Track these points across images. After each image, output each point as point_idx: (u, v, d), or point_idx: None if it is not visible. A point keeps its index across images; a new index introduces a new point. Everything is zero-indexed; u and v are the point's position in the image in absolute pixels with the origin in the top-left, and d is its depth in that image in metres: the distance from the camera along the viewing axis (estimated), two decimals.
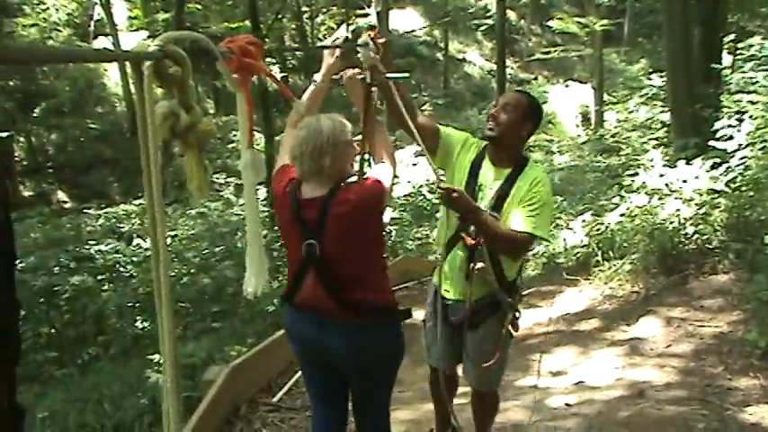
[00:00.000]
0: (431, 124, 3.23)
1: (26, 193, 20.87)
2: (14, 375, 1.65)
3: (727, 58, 11.99)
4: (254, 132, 2.02)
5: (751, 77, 11.07)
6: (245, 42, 1.82)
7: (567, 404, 4.58)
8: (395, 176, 2.79)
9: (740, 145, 7.09)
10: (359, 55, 2.84)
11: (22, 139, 21.93)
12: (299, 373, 5.52)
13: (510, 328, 3.22)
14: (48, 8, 25.05)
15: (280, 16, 21.07)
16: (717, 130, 7.36)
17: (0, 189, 1.65)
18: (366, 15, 29.81)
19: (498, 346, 3.21)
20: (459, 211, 2.94)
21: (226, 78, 1.79)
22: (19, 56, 1.04)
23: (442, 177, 3.04)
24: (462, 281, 3.17)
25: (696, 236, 6.70)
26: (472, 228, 3.07)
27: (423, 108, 25.06)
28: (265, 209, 11.55)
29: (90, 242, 10.93)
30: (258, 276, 2.12)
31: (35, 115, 22.29)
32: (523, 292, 3.38)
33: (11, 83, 21.54)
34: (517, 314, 3.24)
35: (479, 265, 3.09)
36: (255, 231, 2.07)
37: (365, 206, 2.60)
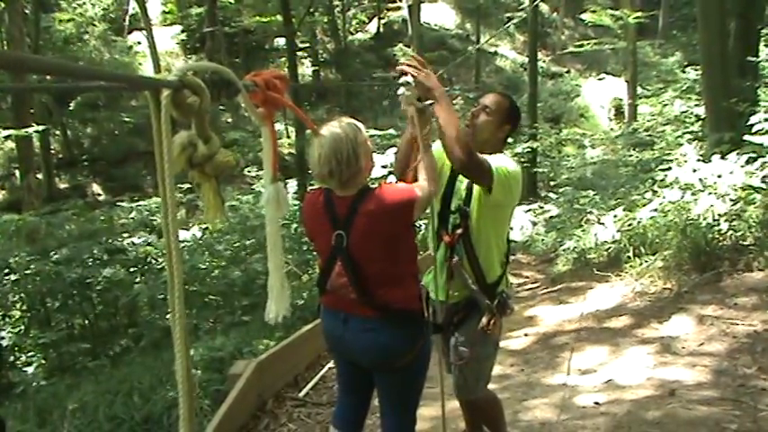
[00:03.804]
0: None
1: (61, 186, 21.23)
2: None
3: (764, 51, 11.72)
4: (278, 166, 2.02)
5: None
6: (271, 76, 1.81)
7: (596, 403, 4.52)
8: (432, 196, 2.83)
9: None
10: (399, 93, 2.90)
11: (57, 132, 22.30)
12: (326, 368, 5.55)
13: (487, 332, 3.11)
14: (84, 3, 25.43)
15: (311, 10, 21.12)
16: (753, 125, 7.21)
17: None
18: (398, 9, 29.80)
19: (476, 350, 3.16)
20: (429, 91, 2.85)
21: (249, 112, 1.77)
22: (42, 68, 1.04)
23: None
24: (443, 280, 3.16)
25: (730, 232, 6.58)
26: (450, 225, 3.13)
27: (454, 102, 24.96)
28: (297, 202, 11.60)
29: (123, 235, 11.05)
30: (279, 303, 2.13)
31: (71, 109, 22.64)
32: (510, 301, 3.23)
33: (47, 77, 21.83)
34: (493, 321, 3.13)
35: (455, 259, 3.09)
36: (278, 261, 2.07)
37: (391, 208, 2.67)
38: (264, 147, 1.92)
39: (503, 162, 3.00)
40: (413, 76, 2.86)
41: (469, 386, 3.28)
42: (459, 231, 3.10)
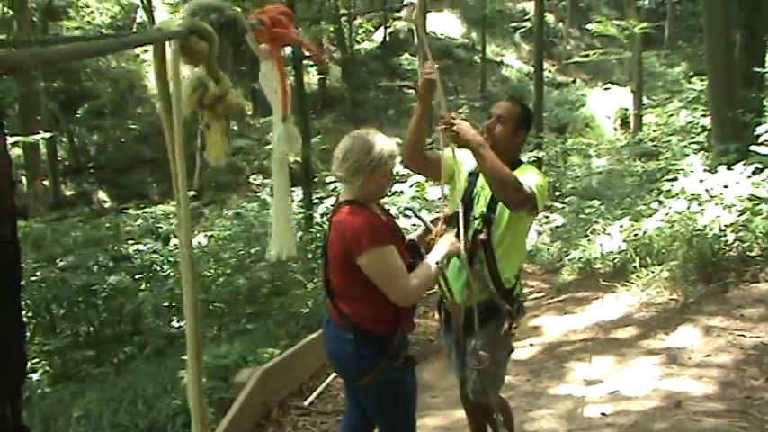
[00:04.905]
0: (436, 156, 3.26)
1: (67, 193, 21.28)
2: (19, 396, 1.63)
3: None
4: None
5: None
6: (276, 12, 1.77)
7: (602, 414, 4.50)
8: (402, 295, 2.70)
9: None
10: (402, 14, 2.98)
11: (64, 139, 22.36)
12: (331, 376, 5.54)
13: (507, 336, 3.18)
14: (92, 11, 25.54)
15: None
16: (759, 135, 7.20)
17: (7, 204, 1.62)
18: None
19: (495, 354, 3.18)
20: (468, 144, 2.91)
21: (254, 49, 1.73)
22: (51, 57, 1.03)
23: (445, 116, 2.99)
24: (461, 286, 3.17)
25: (737, 243, 6.56)
26: (472, 231, 3.16)
27: (459, 111, 24.98)
28: (300, 211, 11.59)
29: (128, 242, 11.06)
30: (283, 241, 1.96)
31: (77, 116, 22.70)
32: (524, 305, 3.32)
33: (55, 84, 21.96)
34: (515, 325, 3.20)
35: (476, 267, 3.12)
36: (284, 199, 1.95)
37: (343, 233, 2.66)
38: (272, 85, 1.85)
39: (534, 179, 3.07)
40: (454, 126, 2.91)
41: (486, 390, 3.30)
42: (481, 237, 3.12)
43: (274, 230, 1.99)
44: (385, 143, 2.70)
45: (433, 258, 2.80)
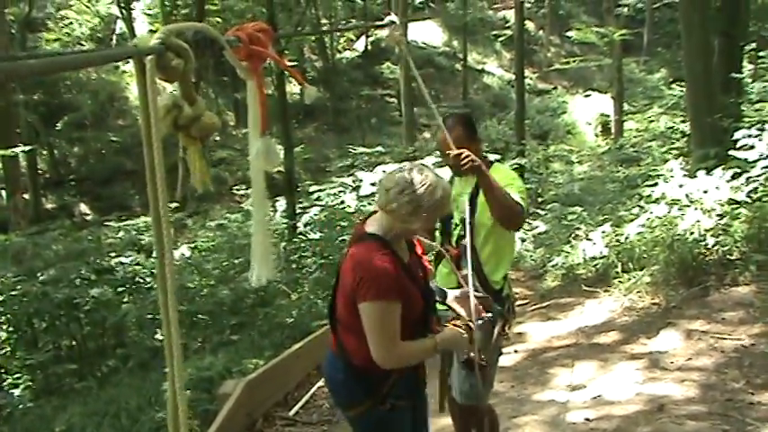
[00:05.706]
0: None
1: (48, 206, 21.09)
2: None
3: (748, 68, 11.85)
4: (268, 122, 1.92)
5: None
6: (254, 29, 1.78)
7: (586, 419, 4.53)
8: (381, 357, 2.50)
9: (761, 155, 6.98)
10: (385, 33, 2.95)
11: (44, 151, 22.19)
12: (316, 386, 5.53)
13: (499, 338, 3.19)
14: (71, 23, 25.44)
15: (299, 28, 21.20)
16: (737, 140, 7.27)
17: None
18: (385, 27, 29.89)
19: (486, 356, 3.19)
20: (480, 172, 2.96)
21: (235, 66, 1.73)
22: (21, 71, 1.03)
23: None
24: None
25: (717, 247, 6.62)
26: (455, 237, 3.22)
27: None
28: (284, 221, 11.57)
29: (110, 254, 10.98)
30: (263, 266, 1.89)
31: (58, 128, 22.55)
32: (515, 305, 3.34)
33: (35, 97, 21.82)
34: (507, 327, 3.23)
35: (464, 272, 3.11)
36: (262, 219, 1.92)
37: (354, 273, 2.47)
38: (250, 101, 1.84)
39: (516, 185, 3.13)
40: (463, 158, 2.93)
41: (478, 392, 3.30)
42: (464, 242, 3.14)
43: (254, 255, 1.93)
44: (446, 185, 2.53)
45: (440, 341, 2.61)
